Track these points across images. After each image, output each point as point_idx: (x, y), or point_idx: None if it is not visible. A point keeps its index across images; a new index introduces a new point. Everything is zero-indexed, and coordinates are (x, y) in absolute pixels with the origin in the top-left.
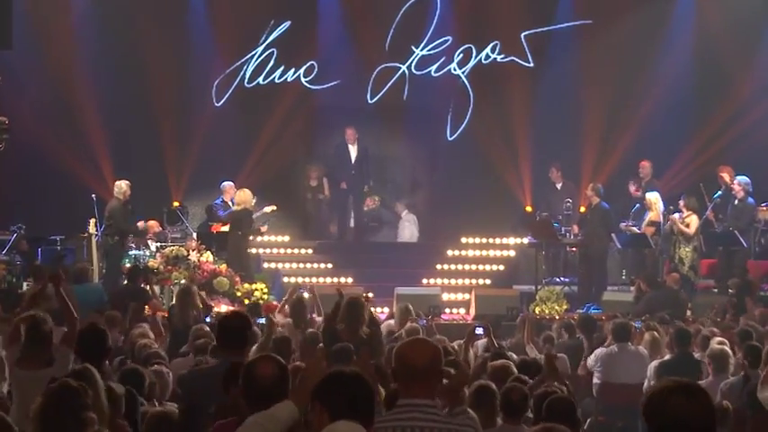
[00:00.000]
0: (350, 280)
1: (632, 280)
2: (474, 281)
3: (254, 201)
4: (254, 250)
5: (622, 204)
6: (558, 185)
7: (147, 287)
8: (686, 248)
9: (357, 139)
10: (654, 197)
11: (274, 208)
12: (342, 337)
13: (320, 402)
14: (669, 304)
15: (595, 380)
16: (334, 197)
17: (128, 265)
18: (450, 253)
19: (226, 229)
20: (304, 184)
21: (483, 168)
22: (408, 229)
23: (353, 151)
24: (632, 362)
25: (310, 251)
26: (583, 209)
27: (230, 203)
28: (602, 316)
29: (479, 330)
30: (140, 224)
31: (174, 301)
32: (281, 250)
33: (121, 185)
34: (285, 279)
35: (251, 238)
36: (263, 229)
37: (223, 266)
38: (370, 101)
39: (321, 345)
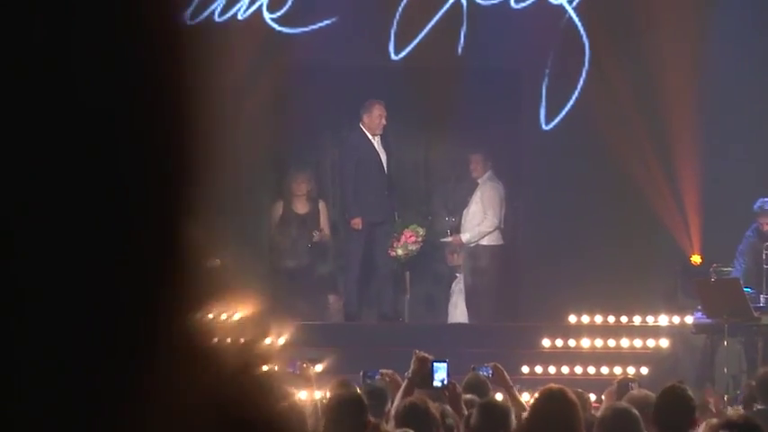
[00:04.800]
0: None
1: None
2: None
3: None
4: None
5: None
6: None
7: None
8: None
9: (385, 128)
10: None
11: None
12: None
13: None
14: None
15: None
16: (340, 241)
17: None
18: (546, 343)
19: None
20: (274, 212)
21: (608, 183)
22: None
23: (382, 150)
24: None
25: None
26: None
27: None
28: None
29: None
30: None
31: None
32: None
33: None
34: None
35: None
36: None
37: None
38: (394, 56)
39: None
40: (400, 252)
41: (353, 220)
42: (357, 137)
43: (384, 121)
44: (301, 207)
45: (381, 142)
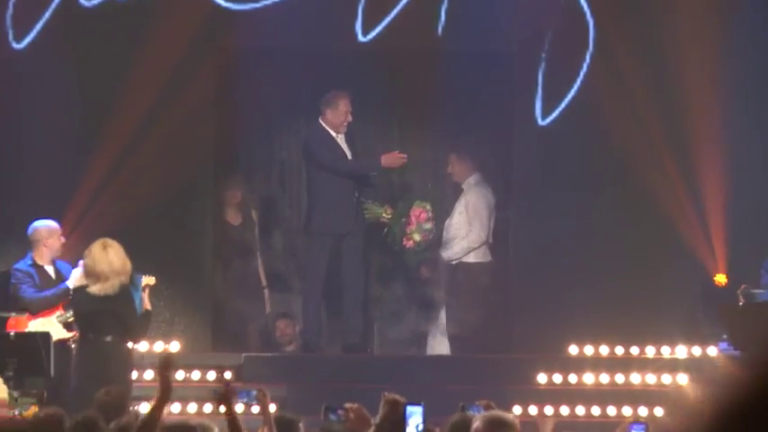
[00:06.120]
0: None
1: None
2: None
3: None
4: None
5: None
6: None
7: None
8: None
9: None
10: None
11: (152, 280)
12: None
13: None
14: None
15: None
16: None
17: None
18: (542, 379)
19: (53, 324)
20: (223, 223)
21: (616, 189)
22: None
23: (347, 148)
24: None
25: (229, 375)
26: None
27: (59, 270)
28: None
29: None
30: None
31: None
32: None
33: None
34: None
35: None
36: (71, 336)
37: None
38: (362, 38)
39: None
40: (417, 237)
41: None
42: (316, 133)
43: (350, 118)
44: (235, 217)
45: (346, 139)
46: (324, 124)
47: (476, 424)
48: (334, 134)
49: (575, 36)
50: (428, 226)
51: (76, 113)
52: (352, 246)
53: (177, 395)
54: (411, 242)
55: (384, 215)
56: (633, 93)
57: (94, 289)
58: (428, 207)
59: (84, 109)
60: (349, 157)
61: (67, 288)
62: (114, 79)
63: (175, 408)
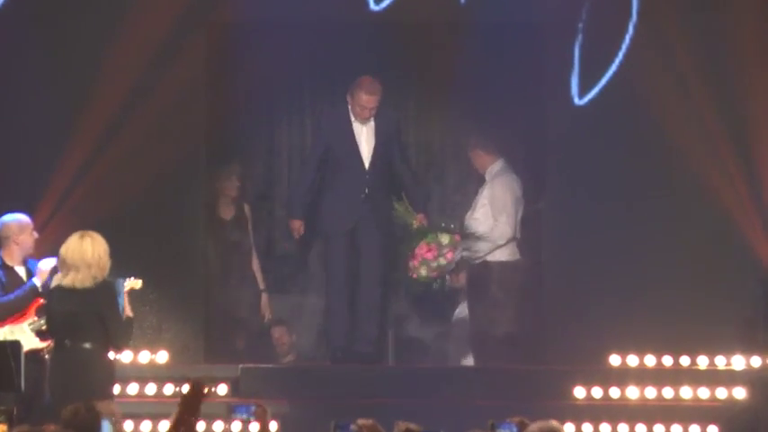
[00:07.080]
0: None
1: None
2: None
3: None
4: None
5: None
6: None
7: None
8: None
9: (376, 110)
10: None
11: (137, 284)
12: None
13: None
14: None
15: None
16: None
17: None
18: (580, 393)
19: (24, 332)
20: (214, 218)
21: (663, 177)
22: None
23: (366, 139)
24: None
25: (224, 390)
26: None
27: (30, 271)
28: None
29: None
30: None
31: None
32: (150, 388)
33: None
34: None
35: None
36: (45, 346)
37: None
38: (374, 7)
39: None
40: (424, 272)
41: (293, 223)
42: (335, 116)
43: (367, 114)
44: (227, 211)
45: (376, 129)
46: (352, 106)
47: None
48: (355, 123)
49: (616, 4)
50: (439, 263)
51: (52, 93)
52: (367, 245)
53: (164, 412)
54: (415, 275)
55: (414, 223)
56: (682, 68)
57: (67, 281)
58: (445, 241)
59: (61, 89)
60: (363, 148)
61: (35, 286)
62: (94, 56)
63: (163, 426)
